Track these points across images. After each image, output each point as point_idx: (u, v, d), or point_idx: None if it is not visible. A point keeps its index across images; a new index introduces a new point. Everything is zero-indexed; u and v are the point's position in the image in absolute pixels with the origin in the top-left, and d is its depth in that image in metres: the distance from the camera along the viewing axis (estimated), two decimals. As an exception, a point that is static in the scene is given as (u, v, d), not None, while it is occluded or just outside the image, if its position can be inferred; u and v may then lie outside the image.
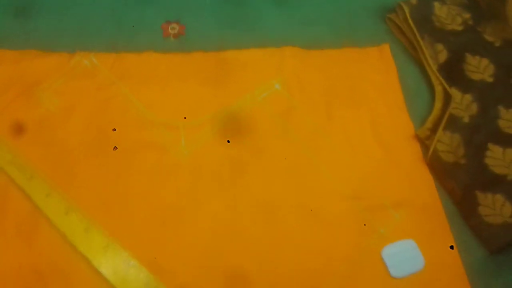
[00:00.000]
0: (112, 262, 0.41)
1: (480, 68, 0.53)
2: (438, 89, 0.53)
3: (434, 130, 0.51)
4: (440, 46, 0.56)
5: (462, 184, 0.48)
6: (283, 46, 0.55)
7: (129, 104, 0.50)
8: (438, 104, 0.53)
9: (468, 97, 0.52)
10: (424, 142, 0.51)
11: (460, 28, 0.57)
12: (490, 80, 0.53)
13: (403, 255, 0.45)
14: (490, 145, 0.49)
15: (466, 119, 0.51)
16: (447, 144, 0.50)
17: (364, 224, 0.46)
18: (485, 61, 0.54)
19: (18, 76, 0.50)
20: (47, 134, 0.48)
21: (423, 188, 0.49)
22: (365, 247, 0.45)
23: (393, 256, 0.45)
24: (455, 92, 0.53)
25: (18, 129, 0.48)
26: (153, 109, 0.50)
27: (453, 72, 0.54)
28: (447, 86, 0.53)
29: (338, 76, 0.54)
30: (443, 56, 0.55)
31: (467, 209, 0.48)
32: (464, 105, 0.52)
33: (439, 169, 0.50)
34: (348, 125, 0.51)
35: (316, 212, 0.46)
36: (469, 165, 0.49)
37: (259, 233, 0.44)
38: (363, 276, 0.44)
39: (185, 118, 0.49)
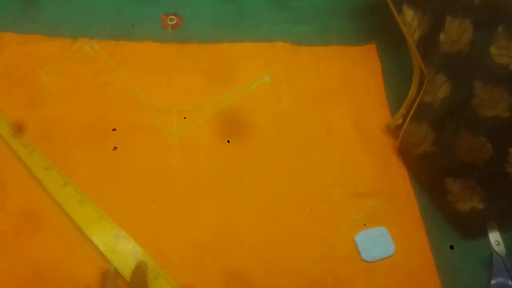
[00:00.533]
0: (103, 232, 0.44)
1: (458, 35, 0.46)
2: (416, 71, 0.51)
3: (406, 116, 0.51)
4: (419, 13, 0.50)
5: (431, 173, 0.50)
6: (275, 42, 0.57)
7: (126, 89, 0.52)
8: (413, 89, 0.52)
9: (441, 77, 0.48)
10: (395, 133, 0.53)
11: None
12: (467, 48, 0.45)
13: (375, 241, 0.48)
14: (462, 132, 0.46)
15: (437, 104, 0.48)
16: (414, 136, 0.50)
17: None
18: (465, 24, 0.45)
19: (23, 59, 0.52)
20: (48, 114, 0.50)
21: (398, 179, 0.51)
22: (340, 232, 0.48)
23: (365, 241, 0.48)
24: (429, 72, 0.49)
25: (22, 108, 0.50)
26: (148, 94, 0.52)
27: (429, 46, 0.49)
28: (422, 65, 0.50)
29: (325, 71, 0.57)
30: (423, 25, 0.50)
31: (437, 197, 0.50)
32: (437, 86, 0.48)
33: (408, 160, 0.51)
34: (330, 118, 0.54)
35: (298, 199, 0.48)
36: (439, 153, 0.49)
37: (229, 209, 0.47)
38: (337, 258, 0.47)
39: (185, 118, 0.52)
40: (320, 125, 0.53)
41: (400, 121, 0.52)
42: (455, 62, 0.47)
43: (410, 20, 0.50)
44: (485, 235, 0.49)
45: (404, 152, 0.52)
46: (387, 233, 0.48)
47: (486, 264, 0.48)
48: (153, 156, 0.49)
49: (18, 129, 0.48)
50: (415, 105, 0.50)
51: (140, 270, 0.42)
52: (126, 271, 0.42)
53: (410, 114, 0.51)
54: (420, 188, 0.51)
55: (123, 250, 0.44)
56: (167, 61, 0.55)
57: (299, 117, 0.53)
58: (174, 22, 0.58)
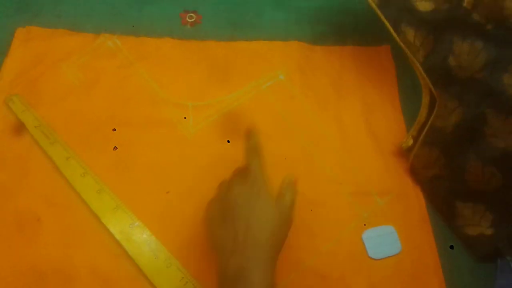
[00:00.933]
0: (119, 222, 0.46)
1: (469, 60, 0.45)
2: (425, 91, 0.51)
3: (417, 138, 0.51)
4: (423, 33, 0.48)
5: (442, 194, 0.50)
6: (290, 40, 0.58)
7: (145, 83, 0.54)
8: (423, 110, 0.51)
9: (453, 101, 0.47)
10: (406, 154, 0.52)
11: (444, 6, 0.47)
12: (480, 75, 0.45)
13: (382, 239, 0.49)
14: (472, 159, 0.46)
15: (449, 129, 0.48)
16: (425, 159, 0.50)
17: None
18: (476, 48, 0.44)
19: (48, 52, 0.54)
20: (70, 105, 0.52)
21: (407, 179, 0.52)
22: (348, 229, 0.49)
23: (372, 239, 0.49)
24: (440, 96, 0.48)
25: (45, 99, 0.52)
26: (166, 89, 0.54)
27: (438, 68, 0.48)
28: (432, 88, 0.49)
29: (338, 71, 0.57)
30: (427, 45, 0.48)
31: (446, 218, 0.50)
32: (448, 110, 0.48)
33: (419, 180, 0.51)
34: (342, 116, 0.55)
35: (307, 195, 0.49)
36: (449, 177, 0.49)
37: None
38: (343, 254, 0.48)
39: (185, 118, 0.52)
40: (331, 123, 0.54)
41: (410, 142, 0.52)
42: (467, 88, 0.46)
43: (412, 40, 0.49)
44: (494, 260, 0.48)
45: (415, 173, 0.52)
46: (394, 231, 0.49)
47: (486, 264, 0.48)
48: (169, 149, 0.51)
49: (41, 119, 0.50)
50: (426, 128, 0.50)
51: (252, 134, 0.43)
52: (141, 259, 0.44)
53: (421, 137, 0.50)
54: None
55: (138, 239, 0.45)
56: (185, 57, 0.56)
57: (312, 115, 0.54)
58: (193, 20, 0.59)
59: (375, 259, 0.48)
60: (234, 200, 0.40)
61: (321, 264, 0.47)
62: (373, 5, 0.50)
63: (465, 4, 0.45)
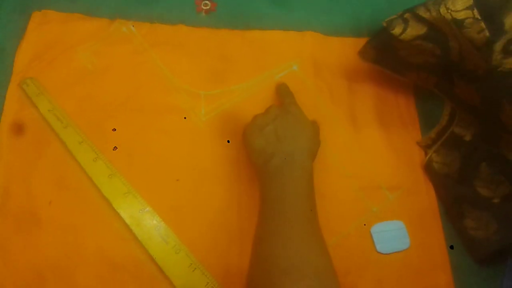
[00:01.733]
0: (130, 207, 0.46)
1: (469, 94, 0.49)
2: (446, 103, 0.54)
3: (435, 140, 0.53)
4: (424, 74, 0.52)
5: (452, 194, 0.50)
6: (305, 31, 0.58)
7: (158, 70, 0.54)
8: (444, 117, 0.54)
9: (470, 116, 0.51)
10: (423, 149, 0.53)
11: (432, 59, 0.50)
12: (481, 108, 0.48)
13: (390, 233, 0.49)
14: (483, 166, 0.49)
15: (468, 138, 0.51)
16: (443, 156, 0.51)
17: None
18: (471, 88, 0.48)
19: (64, 36, 0.54)
20: (83, 90, 0.52)
21: (419, 174, 0.52)
22: (356, 223, 0.49)
23: (381, 233, 0.49)
24: (458, 109, 0.52)
25: (59, 83, 0.52)
26: (179, 76, 0.54)
27: (448, 92, 0.52)
28: (449, 103, 0.53)
29: (353, 63, 0.56)
30: (433, 80, 0.53)
31: (454, 218, 0.50)
32: (468, 122, 0.51)
33: (432, 176, 0.52)
34: (355, 109, 0.54)
35: (316, 188, 0.48)
36: (461, 180, 0.50)
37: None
38: (351, 247, 0.48)
39: (185, 118, 0.52)
40: (343, 116, 0.54)
41: (429, 142, 0.53)
42: (478, 111, 0.49)
43: (416, 79, 0.53)
44: (498, 264, 0.48)
45: (429, 169, 0.52)
46: (404, 227, 0.49)
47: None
48: (180, 137, 0.51)
49: (55, 103, 0.51)
50: (447, 134, 0.52)
51: (283, 84, 0.53)
52: (150, 245, 0.45)
53: (442, 139, 0.52)
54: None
55: (148, 224, 0.46)
56: (198, 45, 0.56)
57: (324, 107, 0.54)
58: (208, 7, 0.59)
59: (383, 254, 0.48)
60: (273, 117, 0.46)
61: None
62: (370, 63, 0.54)
63: (452, 58, 0.48)
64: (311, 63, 0.56)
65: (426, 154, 0.53)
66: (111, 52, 0.54)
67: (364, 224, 0.49)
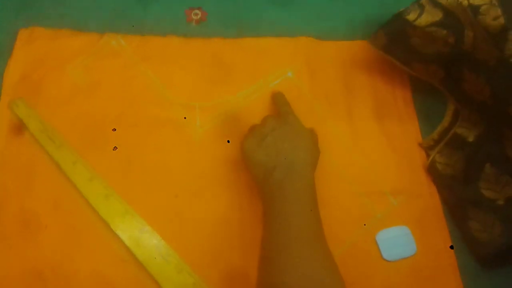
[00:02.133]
0: (128, 227, 0.45)
1: (479, 88, 0.48)
2: (450, 101, 0.53)
3: (438, 141, 0.52)
4: (433, 67, 0.51)
5: (456, 196, 0.49)
6: (298, 36, 0.57)
7: (150, 83, 0.53)
8: (447, 118, 0.53)
9: (475, 116, 0.50)
10: (425, 150, 0.53)
11: (445, 49, 0.49)
12: (490, 102, 0.47)
13: (396, 240, 0.48)
14: (488, 167, 0.48)
15: (471, 139, 0.50)
16: (447, 156, 0.50)
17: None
18: (481, 81, 0.47)
19: (52, 53, 0.53)
20: (75, 108, 0.51)
21: (421, 177, 0.51)
22: (361, 231, 0.48)
23: (386, 240, 0.48)
24: (462, 109, 0.51)
25: (50, 102, 0.51)
26: (172, 89, 0.53)
27: (455, 89, 0.52)
28: (453, 102, 0.52)
29: (348, 66, 0.56)
30: (440, 74, 0.52)
31: (458, 219, 0.49)
32: (472, 122, 0.50)
33: (436, 178, 0.51)
34: (353, 114, 0.53)
35: (318, 195, 0.48)
36: (465, 181, 0.49)
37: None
38: (357, 256, 0.47)
39: (185, 118, 0.51)
40: (342, 121, 0.53)
41: (431, 143, 0.52)
42: (484, 108, 0.48)
43: (424, 72, 0.52)
44: (504, 266, 0.48)
45: (433, 170, 0.51)
46: (409, 232, 0.48)
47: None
48: (176, 151, 0.50)
49: (46, 123, 0.49)
50: (450, 134, 0.51)
51: (279, 93, 0.52)
52: (151, 265, 0.44)
53: (445, 140, 0.51)
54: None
55: (148, 244, 0.45)
56: (190, 56, 0.55)
57: (321, 113, 0.53)
58: (198, 17, 0.58)
59: (389, 261, 0.47)
60: (270, 128, 0.45)
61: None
62: (380, 51, 0.53)
63: (465, 47, 0.47)
64: (306, 68, 0.55)
65: (428, 156, 0.52)
66: (102, 67, 0.53)
67: (364, 224, 0.48)
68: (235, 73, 0.54)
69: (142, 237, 0.45)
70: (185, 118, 0.51)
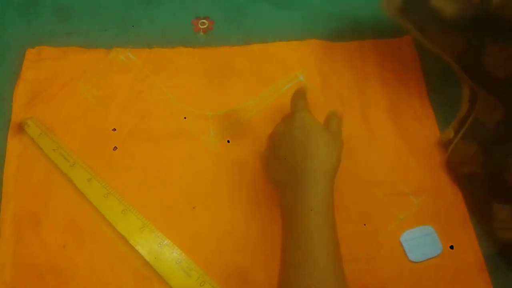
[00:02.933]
0: (147, 241, 0.44)
1: (504, 59, 0.43)
2: (465, 86, 0.50)
3: (459, 131, 0.49)
4: (452, 36, 0.46)
5: (477, 194, 0.48)
6: (307, 39, 0.56)
7: (161, 96, 0.52)
8: (464, 104, 0.50)
9: (493, 99, 0.46)
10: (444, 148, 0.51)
11: (469, 12, 0.44)
12: None
13: (421, 240, 0.47)
14: (510, 157, 0.45)
15: (491, 125, 0.46)
16: (462, 154, 0.48)
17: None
18: (505, 53, 0.42)
19: (61, 71, 0.53)
20: (87, 124, 0.50)
21: (442, 175, 0.50)
22: (384, 232, 0.47)
23: (411, 241, 0.47)
24: (481, 92, 0.47)
25: (62, 120, 0.51)
26: (184, 100, 0.52)
27: (473, 66, 0.46)
28: (471, 83, 0.48)
29: (360, 67, 0.55)
30: (459, 46, 0.46)
31: (481, 219, 0.48)
32: (491, 107, 0.46)
33: (456, 177, 0.49)
34: (368, 115, 0.52)
35: (338, 200, 0.47)
36: (487, 176, 0.47)
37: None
38: (382, 259, 0.46)
39: (185, 118, 0.51)
40: (357, 122, 0.52)
41: (452, 135, 0.50)
42: (506, 87, 0.44)
43: (441, 42, 0.47)
44: None
45: (451, 169, 0.50)
46: (434, 231, 0.47)
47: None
48: (192, 162, 0.49)
49: (59, 141, 0.49)
50: (469, 122, 0.48)
51: (298, 87, 0.48)
52: (173, 279, 0.43)
53: (463, 130, 0.48)
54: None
55: (168, 258, 0.44)
56: (200, 66, 0.54)
57: (336, 116, 0.52)
58: (205, 26, 0.57)
59: (416, 262, 0.46)
60: (281, 135, 0.44)
61: (359, 272, 0.45)
62: (394, 13, 0.49)
63: (492, 8, 0.43)
64: (317, 71, 0.55)
65: (446, 151, 0.50)
66: (112, 82, 0.53)
67: (364, 224, 0.47)
68: (246, 80, 0.54)
69: (161, 251, 0.44)
70: (185, 118, 0.51)
